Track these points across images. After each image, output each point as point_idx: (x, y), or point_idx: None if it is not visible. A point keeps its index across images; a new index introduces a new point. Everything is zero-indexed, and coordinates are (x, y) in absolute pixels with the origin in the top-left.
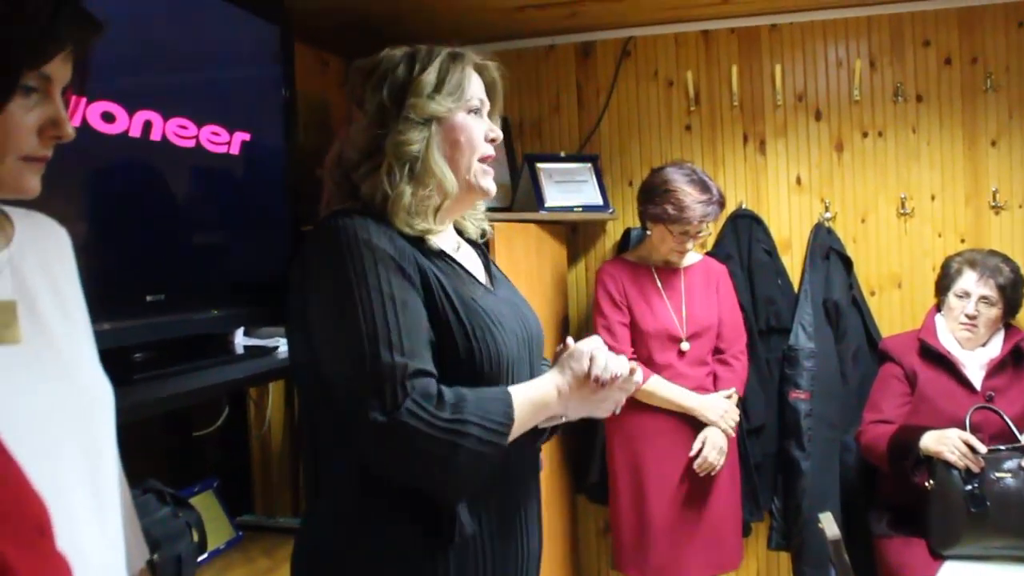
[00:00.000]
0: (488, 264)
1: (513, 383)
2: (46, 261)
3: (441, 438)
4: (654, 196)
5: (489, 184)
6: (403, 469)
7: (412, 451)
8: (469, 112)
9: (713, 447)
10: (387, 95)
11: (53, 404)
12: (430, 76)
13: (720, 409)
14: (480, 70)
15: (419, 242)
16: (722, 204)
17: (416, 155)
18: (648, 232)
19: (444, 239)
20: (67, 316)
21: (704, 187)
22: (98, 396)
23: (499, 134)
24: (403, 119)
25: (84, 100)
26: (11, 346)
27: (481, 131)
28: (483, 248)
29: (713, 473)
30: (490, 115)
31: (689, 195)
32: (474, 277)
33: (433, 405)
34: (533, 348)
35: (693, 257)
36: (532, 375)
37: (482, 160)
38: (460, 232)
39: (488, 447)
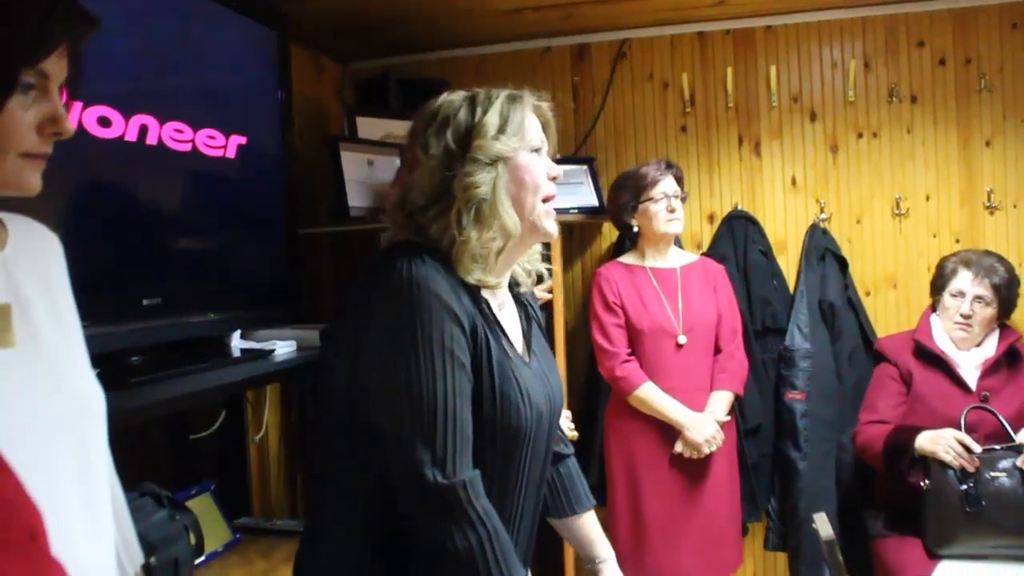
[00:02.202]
0: (529, 327)
1: (528, 454)
2: (39, 266)
3: (473, 521)
4: (617, 189)
5: (552, 226)
6: (435, 525)
7: (451, 515)
8: (531, 151)
9: (690, 443)
10: (452, 138)
11: (46, 409)
12: (493, 118)
13: (707, 432)
14: (535, 111)
15: (474, 294)
16: (672, 166)
17: (484, 197)
18: (636, 229)
19: (494, 293)
20: (60, 321)
21: (651, 162)
22: (90, 401)
23: (559, 172)
24: (470, 161)
25: (80, 104)
26: (4, 350)
27: (543, 170)
28: (527, 307)
29: (708, 451)
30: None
31: (640, 168)
32: (512, 343)
33: (479, 496)
34: (554, 420)
35: (690, 257)
36: (549, 444)
37: (545, 200)
38: (511, 283)
39: (480, 564)
